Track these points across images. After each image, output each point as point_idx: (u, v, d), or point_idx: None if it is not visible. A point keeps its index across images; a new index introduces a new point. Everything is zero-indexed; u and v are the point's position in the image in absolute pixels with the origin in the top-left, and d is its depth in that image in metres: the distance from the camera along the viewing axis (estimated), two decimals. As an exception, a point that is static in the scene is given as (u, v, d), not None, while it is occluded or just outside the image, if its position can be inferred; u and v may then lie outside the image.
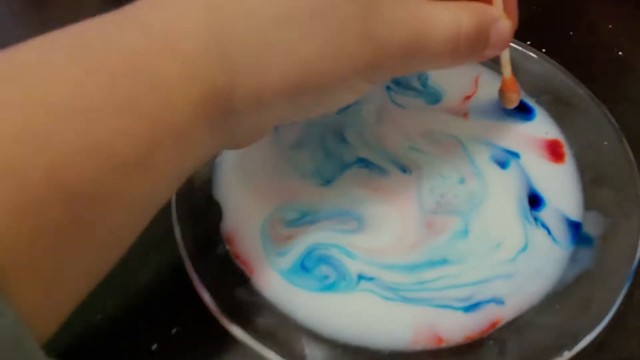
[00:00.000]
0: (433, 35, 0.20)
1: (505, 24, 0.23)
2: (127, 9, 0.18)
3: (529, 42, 0.36)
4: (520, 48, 0.33)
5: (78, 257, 0.16)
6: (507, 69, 0.27)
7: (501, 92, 0.29)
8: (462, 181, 0.28)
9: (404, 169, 0.29)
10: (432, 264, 0.25)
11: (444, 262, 0.25)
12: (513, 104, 0.29)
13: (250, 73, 0.18)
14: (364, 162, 0.29)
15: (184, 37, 0.18)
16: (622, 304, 0.26)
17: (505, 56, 0.27)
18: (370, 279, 0.25)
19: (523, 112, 0.31)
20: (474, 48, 0.22)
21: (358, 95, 0.22)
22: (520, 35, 0.35)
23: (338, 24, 0.19)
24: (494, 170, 0.29)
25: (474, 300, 0.24)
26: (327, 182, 0.28)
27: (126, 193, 0.17)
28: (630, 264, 0.24)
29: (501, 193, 0.28)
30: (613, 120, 0.29)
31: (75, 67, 0.16)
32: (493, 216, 0.27)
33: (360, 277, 0.25)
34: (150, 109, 0.17)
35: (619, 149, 0.28)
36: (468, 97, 0.31)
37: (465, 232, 0.26)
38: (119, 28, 0.18)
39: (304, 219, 0.27)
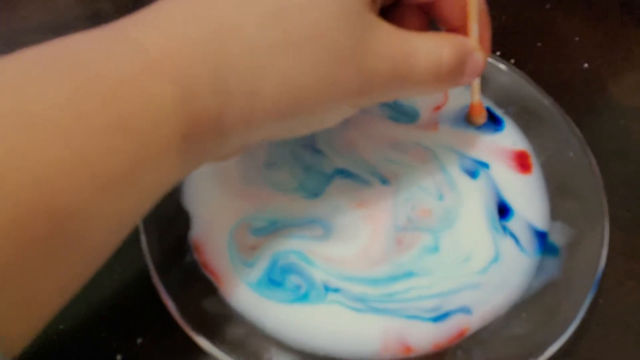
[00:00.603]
0: (417, 66, 0.22)
1: (480, 56, 0.24)
2: (117, 25, 0.18)
3: (498, 53, 0.36)
4: (490, 59, 0.33)
5: (58, 272, 0.16)
6: (476, 95, 0.28)
7: (469, 115, 0.30)
8: (440, 197, 0.28)
9: (384, 180, 0.29)
10: (397, 277, 0.25)
11: (409, 274, 0.25)
12: (479, 125, 0.30)
13: (243, 96, 0.19)
14: (344, 173, 0.29)
15: (176, 57, 0.18)
16: (587, 312, 0.26)
17: (475, 83, 0.28)
18: (336, 290, 0.25)
19: (492, 123, 0.31)
20: (453, 77, 0.23)
21: (343, 117, 0.22)
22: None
23: (330, 53, 0.19)
24: (465, 181, 0.29)
25: (442, 311, 0.24)
26: (315, 195, 0.28)
27: (110, 210, 0.17)
28: (594, 274, 0.25)
29: (472, 204, 0.28)
30: (578, 132, 0.29)
31: (65, 86, 0.16)
32: (465, 229, 0.27)
33: (327, 288, 0.25)
34: (139, 129, 0.17)
35: (584, 160, 0.28)
36: (438, 108, 0.32)
37: (435, 248, 0.26)
38: (110, 46, 0.18)
39: (272, 227, 0.26)
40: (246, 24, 0.19)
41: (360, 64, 0.20)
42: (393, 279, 0.25)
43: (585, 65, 0.37)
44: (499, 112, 0.32)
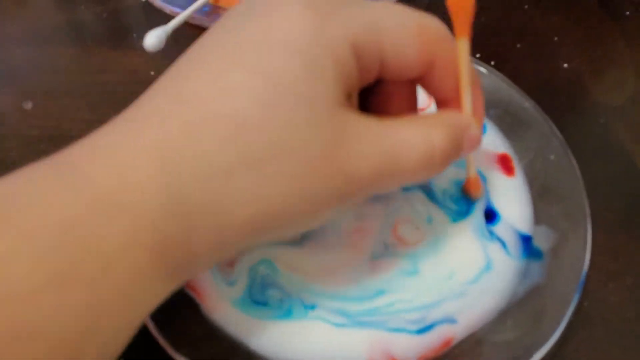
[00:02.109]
0: (406, 160, 0.20)
1: (475, 130, 0.23)
2: (66, 156, 0.17)
3: (478, 55, 0.36)
4: (473, 60, 0.33)
5: None
6: (472, 169, 0.27)
7: (465, 189, 0.28)
8: (429, 220, 0.28)
9: None
10: (378, 293, 0.25)
11: (386, 292, 0.25)
12: (477, 199, 0.29)
13: (210, 219, 0.18)
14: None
15: (132, 190, 0.16)
16: (572, 315, 0.26)
17: (470, 157, 0.26)
18: (312, 306, 0.25)
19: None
20: (449, 160, 0.21)
21: (334, 218, 0.22)
22: (470, 48, 0.35)
23: (301, 165, 0.18)
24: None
25: (427, 322, 0.24)
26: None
27: None
28: (578, 277, 0.25)
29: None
30: (559, 134, 0.29)
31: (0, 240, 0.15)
32: (451, 243, 0.27)
33: (305, 305, 0.25)
34: (90, 277, 0.15)
35: (566, 163, 0.28)
36: (422, 110, 0.32)
37: (414, 271, 0.26)
38: (54, 185, 0.16)
39: None
40: (202, 148, 0.17)
41: (338, 170, 0.19)
42: (375, 294, 0.25)
43: (565, 64, 0.37)
44: (480, 115, 0.32)
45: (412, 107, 0.24)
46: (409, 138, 0.20)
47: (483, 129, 0.29)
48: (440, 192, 0.28)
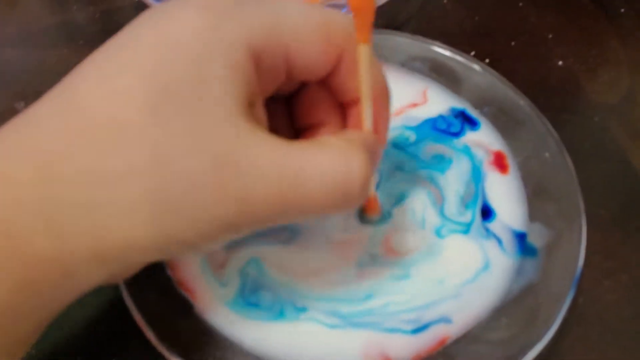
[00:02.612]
0: (314, 189, 0.17)
1: (380, 152, 0.21)
2: None
3: (473, 53, 0.36)
4: (465, 60, 0.33)
5: None
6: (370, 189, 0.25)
7: (364, 209, 0.27)
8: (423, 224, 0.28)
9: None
10: (370, 296, 0.25)
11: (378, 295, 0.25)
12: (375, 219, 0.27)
13: (84, 234, 0.16)
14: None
15: (3, 208, 0.16)
16: (567, 312, 0.26)
17: None
18: (303, 309, 0.25)
19: (468, 124, 0.31)
20: (367, 188, 0.19)
21: (225, 242, 0.19)
22: (464, 46, 0.35)
23: (182, 182, 0.16)
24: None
25: (422, 322, 0.24)
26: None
27: None
28: (572, 274, 0.25)
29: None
30: (554, 132, 0.29)
31: None
32: (450, 243, 0.27)
33: (296, 309, 0.25)
34: None
35: (560, 160, 0.28)
36: (415, 105, 0.32)
37: (405, 276, 0.26)
38: None
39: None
40: (80, 157, 0.16)
41: (225, 193, 0.16)
42: (366, 297, 0.25)
43: (560, 62, 0.37)
44: (474, 113, 0.32)
45: (336, 118, 0.22)
46: (322, 164, 0.17)
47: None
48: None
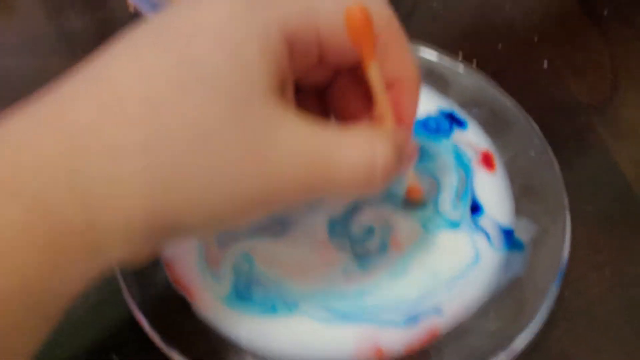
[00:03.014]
0: (340, 171, 0.18)
1: (412, 144, 0.22)
2: None
3: (461, 56, 0.37)
4: (452, 63, 0.34)
5: None
6: (410, 176, 0.28)
7: (408, 196, 0.29)
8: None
9: None
10: (364, 293, 0.26)
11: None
12: (419, 204, 0.29)
13: (112, 208, 0.16)
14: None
15: (29, 178, 0.16)
16: (554, 305, 0.27)
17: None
18: (294, 304, 0.25)
19: (457, 124, 0.32)
20: (389, 177, 0.20)
21: (257, 218, 0.19)
22: (453, 49, 0.36)
23: (217, 156, 0.17)
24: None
25: (414, 314, 0.25)
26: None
27: None
28: (557, 267, 0.26)
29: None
30: (539, 131, 0.30)
31: None
32: (442, 238, 0.28)
33: (288, 304, 0.25)
34: None
35: (545, 159, 0.29)
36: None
37: (402, 272, 0.27)
38: None
39: (233, 232, 0.27)
40: (111, 129, 0.16)
41: (261, 167, 0.17)
42: (357, 294, 0.26)
43: (546, 64, 0.37)
44: (462, 114, 0.33)
45: (367, 111, 0.22)
46: (349, 148, 0.18)
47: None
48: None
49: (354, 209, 0.28)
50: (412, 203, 0.29)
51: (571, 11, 0.41)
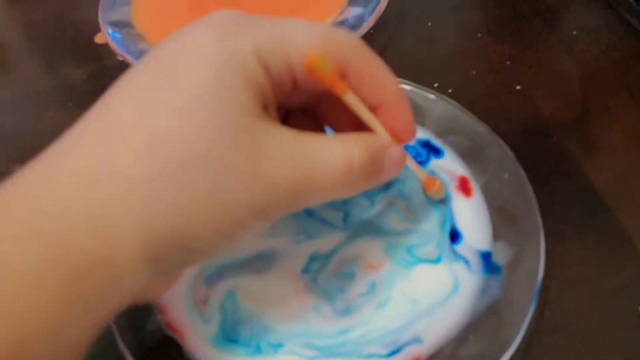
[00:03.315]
0: (324, 169, 0.20)
1: (396, 150, 0.24)
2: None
3: (436, 84, 0.39)
4: (427, 93, 0.35)
5: None
6: (420, 174, 0.29)
7: (425, 192, 0.30)
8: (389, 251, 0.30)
9: (334, 225, 0.31)
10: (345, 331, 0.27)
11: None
12: (441, 196, 0.31)
13: (131, 232, 0.18)
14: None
15: (47, 213, 0.17)
16: (534, 324, 0.28)
17: (412, 165, 0.28)
18: (280, 344, 0.26)
19: (433, 152, 0.33)
20: (368, 177, 0.22)
21: (257, 232, 0.21)
22: (429, 79, 0.38)
23: (218, 172, 0.18)
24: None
25: (396, 345, 0.26)
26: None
27: None
28: (533, 287, 0.26)
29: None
30: (511, 154, 0.31)
31: None
32: (420, 269, 0.29)
33: (273, 345, 0.26)
34: (8, 308, 0.16)
35: (518, 181, 0.30)
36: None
37: (384, 303, 0.28)
38: None
39: (220, 271, 0.29)
40: (119, 159, 0.18)
41: (258, 175, 0.19)
42: (343, 331, 0.27)
43: (518, 87, 0.39)
44: (438, 141, 0.34)
45: (353, 127, 0.24)
46: (328, 152, 0.21)
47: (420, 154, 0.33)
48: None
49: (335, 249, 0.29)
50: (431, 197, 0.30)
51: (541, 34, 0.43)
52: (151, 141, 0.18)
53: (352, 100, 0.22)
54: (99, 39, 0.45)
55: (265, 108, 0.21)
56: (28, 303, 0.16)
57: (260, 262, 0.29)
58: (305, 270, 0.29)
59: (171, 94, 0.19)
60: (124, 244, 0.18)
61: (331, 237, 0.30)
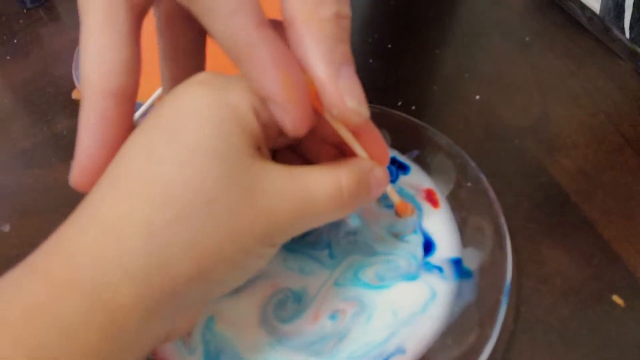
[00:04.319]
0: (317, 196, 0.23)
1: (379, 171, 0.26)
2: (27, 260, 0.20)
3: (400, 103, 0.40)
4: (389, 112, 0.37)
5: None
6: (394, 198, 0.30)
7: (398, 214, 0.32)
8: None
9: (332, 255, 0.32)
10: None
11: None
12: (412, 218, 0.32)
13: (157, 276, 0.20)
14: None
15: (83, 270, 0.19)
16: (512, 321, 0.29)
17: (389, 189, 0.29)
18: None
19: (400, 169, 0.35)
20: (358, 198, 0.24)
21: (267, 260, 0.24)
22: (392, 98, 0.40)
23: (225, 210, 0.21)
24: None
25: (382, 358, 0.27)
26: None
27: None
28: (503, 286, 0.28)
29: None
30: (472, 162, 0.33)
31: None
32: (398, 285, 0.30)
33: None
34: (51, 352, 0.18)
35: (480, 187, 0.32)
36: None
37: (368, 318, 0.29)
38: (17, 281, 0.20)
39: None
40: (139, 211, 0.20)
41: (259, 210, 0.21)
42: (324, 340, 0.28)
43: (478, 97, 0.41)
44: (403, 158, 0.35)
45: (331, 157, 0.27)
46: (318, 180, 0.23)
47: (389, 172, 0.33)
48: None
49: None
50: (403, 217, 0.32)
51: (495, 43, 0.45)
52: (164, 193, 0.20)
53: (342, 129, 0.24)
54: (75, 94, 0.47)
55: (258, 149, 0.23)
56: (66, 348, 0.18)
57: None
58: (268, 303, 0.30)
59: (177, 149, 0.21)
60: (154, 288, 0.20)
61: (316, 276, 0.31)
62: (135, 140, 0.22)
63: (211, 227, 0.20)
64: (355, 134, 0.25)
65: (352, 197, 0.24)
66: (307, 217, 0.23)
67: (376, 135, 0.26)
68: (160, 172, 0.21)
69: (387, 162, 0.27)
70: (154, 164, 0.21)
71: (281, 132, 0.24)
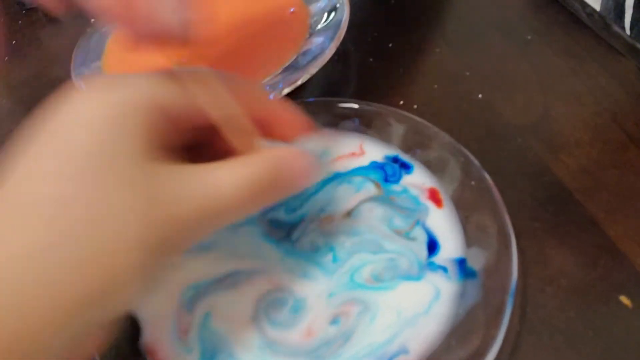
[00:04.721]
0: (223, 191, 0.22)
1: (299, 159, 0.25)
2: None
3: (402, 102, 0.40)
4: (392, 110, 0.36)
5: None
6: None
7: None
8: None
9: (335, 258, 0.31)
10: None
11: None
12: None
13: (47, 298, 0.18)
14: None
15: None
16: (518, 322, 0.29)
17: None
18: None
19: (403, 168, 0.35)
20: (272, 186, 0.23)
21: (172, 268, 0.23)
22: (394, 97, 0.39)
23: (116, 220, 0.19)
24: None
25: (385, 358, 0.27)
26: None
27: None
28: (509, 287, 0.27)
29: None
30: (475, 161, 0.32)
31: None
32: (402, 285, 0.30)
33: None
34: None
35: (484, 186, 0.31)
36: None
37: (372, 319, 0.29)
38: None
39: (197, 293, 0.30)
40: (29, 231, 0.19)
41: (167, 215, 0.20)
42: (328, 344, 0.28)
43: (480, 95, 0.40)
44: (406, 157, 0.35)
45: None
46: (225, 174, 0.22)
47: (393, 171, 0.34)
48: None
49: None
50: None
51: (496, 42, 0.44)
52: (57, 211, 0.19)
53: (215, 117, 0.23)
54: (74, 96, 0.46)
55: (168, 148, 0.22)
56: None
57: (228, 279, 0.30)
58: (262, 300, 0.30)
59: (57, 163, 0.20)
60: (45, 316, 0.18)
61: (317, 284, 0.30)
62: (17, 156, 0.21)
63: (99, 243, 0.19)
64: (266, 119, 0.25)
65: (265, 185, 0.23)
66: (218, 216, 0.22)
67: (284, 111, 0.26)
68: (40, 191, 0.19)
69: (305, 130, 0.26)
70: (38, 178, 0.20)
71: (196, 125, 0.23)
